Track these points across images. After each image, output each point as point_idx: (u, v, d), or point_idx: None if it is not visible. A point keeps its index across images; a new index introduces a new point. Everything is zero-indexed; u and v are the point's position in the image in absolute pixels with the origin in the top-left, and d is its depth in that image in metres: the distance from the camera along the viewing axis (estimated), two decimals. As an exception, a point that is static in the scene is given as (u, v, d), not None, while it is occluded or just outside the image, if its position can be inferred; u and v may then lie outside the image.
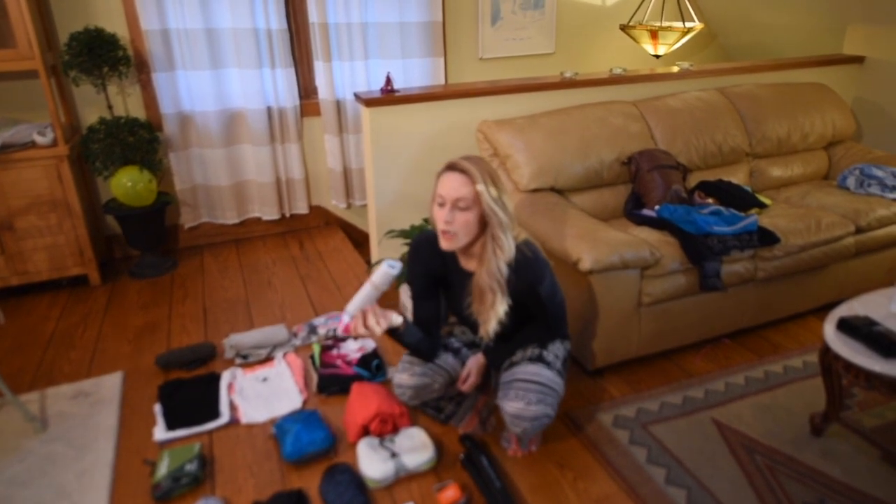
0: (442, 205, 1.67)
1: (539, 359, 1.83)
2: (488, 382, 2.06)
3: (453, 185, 1.63)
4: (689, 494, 1.83)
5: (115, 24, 3.16)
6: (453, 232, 1.66)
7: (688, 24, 3.74)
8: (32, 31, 2.72)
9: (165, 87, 3.29)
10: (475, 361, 1.92)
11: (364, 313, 1.66)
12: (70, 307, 3.00)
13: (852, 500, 1.80)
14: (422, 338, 1.84)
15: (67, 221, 3.02)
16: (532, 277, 1.74)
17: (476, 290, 1.74)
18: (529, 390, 1.76)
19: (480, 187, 1.62)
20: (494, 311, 1.72)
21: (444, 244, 1.70)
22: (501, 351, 1.89)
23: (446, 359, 1.94)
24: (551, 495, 1.84)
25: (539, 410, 1.74)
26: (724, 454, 1.98)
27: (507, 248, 1.68)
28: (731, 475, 1.90)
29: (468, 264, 1.81)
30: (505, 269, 1.69)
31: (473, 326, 1.91)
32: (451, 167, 1.66)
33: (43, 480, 1.90)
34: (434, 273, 1.87)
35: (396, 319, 1.71)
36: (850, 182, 2.96)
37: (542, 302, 1.78)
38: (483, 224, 1.68)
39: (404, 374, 1.89)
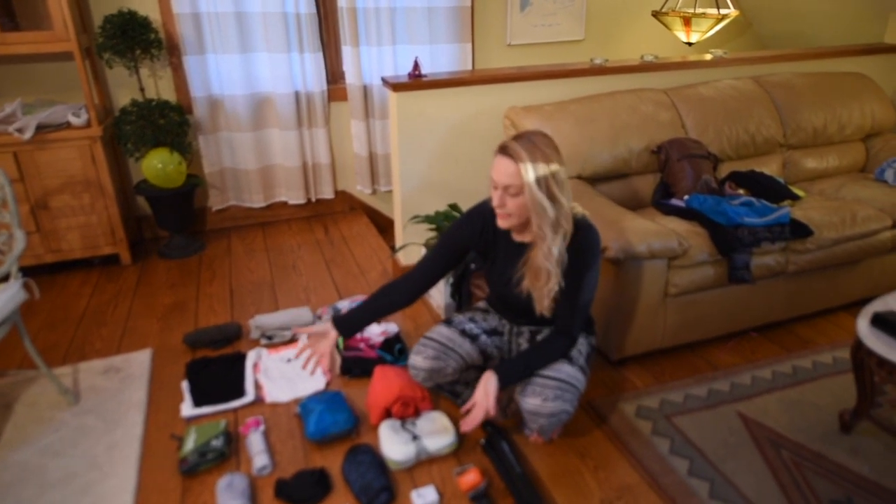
0: (495, 188, 1.65)
1: None
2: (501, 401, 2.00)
3: (503, 171, 1.60)
4: (712, 487, 1.81)
5: (147, 7, 3.20)
6: (507, 213, 1.67)
7: (722, 11, 3.65)
8: (68, 13, 2.77)
9: (196, 71, 3.32)
10: (483, 391, 1.72)
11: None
12: (101, 285, 3.08)
13: (881, 499, 1.77)
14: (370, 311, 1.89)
15: (100, 201, 3.08)
16: (584, 259, 1.72)
17: (532, 268, 1.72)
18: (547, 386, 1.74)
19: (528, 179, 1.58)
20: (549, 289, 1.71)
21: (501, 223, 1.70)
22: (516, 369, 1.78)
23: (462, 344, 1.93)
24: (572, 483, 1.84)
25: (556, 407, 1.73)
26: (750, 448, 1.95)
27: (557, 235, 1.66)
28: (755, 469, 1.87)
29: (522, 237, 1.79)
30: (557, 252, 1.67)
31: (513, 301, 1.86)
32: (503, 150, 1.62)
33: (75, 451, 1.96)
34: (469, 247, 1.88)
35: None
36: (889, 175, 2.87)
37: (576, 286, 1.73)
38: None
39: (418, 356, 1.89)
